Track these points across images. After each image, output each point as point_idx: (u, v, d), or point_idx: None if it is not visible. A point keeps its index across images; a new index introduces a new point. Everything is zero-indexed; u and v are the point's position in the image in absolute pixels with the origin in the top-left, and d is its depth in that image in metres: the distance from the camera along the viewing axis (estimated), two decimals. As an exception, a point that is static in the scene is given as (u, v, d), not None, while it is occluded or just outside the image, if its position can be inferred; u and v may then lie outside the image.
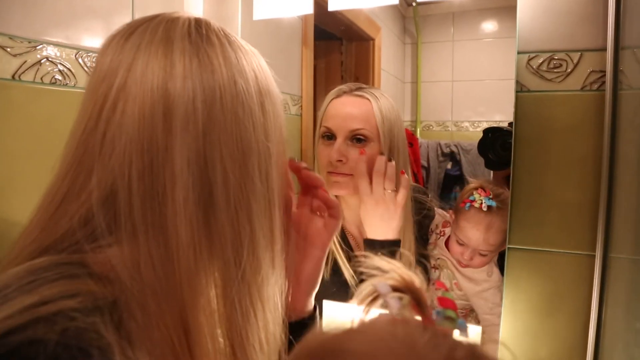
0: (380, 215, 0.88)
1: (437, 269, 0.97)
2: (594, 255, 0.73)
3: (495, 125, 1.03)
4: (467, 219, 0.90)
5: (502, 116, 1.33)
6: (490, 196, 0.88)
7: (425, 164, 1.66)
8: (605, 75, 0.73)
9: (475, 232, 0.89)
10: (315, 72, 1.51)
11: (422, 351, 0.28)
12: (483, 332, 0.88)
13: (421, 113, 1.71)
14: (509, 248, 0.79)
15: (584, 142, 0.74)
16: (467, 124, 1.66)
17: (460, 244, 0.92)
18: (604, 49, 0.72)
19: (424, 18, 1.74)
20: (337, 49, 1.69)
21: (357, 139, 0.93)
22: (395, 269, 0.35)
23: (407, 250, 0.94)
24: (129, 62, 0.42)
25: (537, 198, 0.77)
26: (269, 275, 0.48)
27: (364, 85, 0.99)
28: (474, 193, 0.90)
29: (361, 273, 0.37)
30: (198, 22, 0.46)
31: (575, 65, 0.75)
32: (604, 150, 0.72)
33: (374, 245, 0.89)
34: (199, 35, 0.45)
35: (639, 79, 0.65)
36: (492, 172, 1.05)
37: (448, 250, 0.95)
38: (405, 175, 0.91)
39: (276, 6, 0.92)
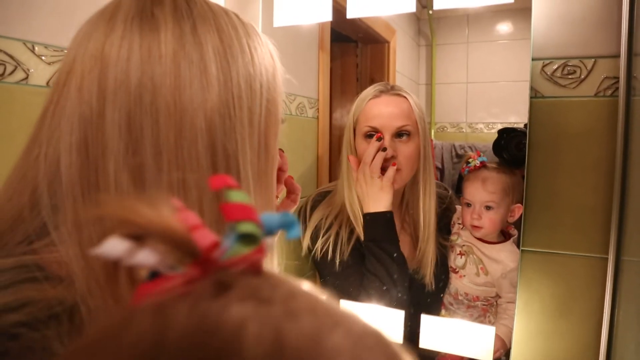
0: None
1: (464, 254, 1.02)
2: (607, 258, 0.75)
3: (510, 126, 1.05)
4: (468, 179, 1.00)
5: (517, 118, 1.34)
6: (482, 155, 0.99)
7: (439, 165, 1.67)
8: (618, 81, 0.74)
9: (475, 185, 0.98)
10: (330, 74, 1.53)
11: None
12: (499, 319, 0.93)
13: (435, 115, 1.71)
14: (522, 250, 0.81)
15: (597, 147, 0.76)
16: (481, 125, 1.67)
17: (468, 206, 0.99)
18: (618, 56, 0.74)
19: (439, 20, 1.74)
20: (352, 51, 1.71)
21: (400, 134, 1.02)
22: (126, 210, 0.21)
23: (431, 238, 1.03)
24: (79, 38, 0.41)
25: (551, 201, 0.79)
26: None
27: (392, 84, 1.07)
28: (469, 160, 1.01)
29: None
30: None
31: (589, 72, 0.76)
32: (617, 155, 0.74)
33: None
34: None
35: (653, 86, 0.66)
36: None
37: (463, 224, 1.02)
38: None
39: (296, 14, 0.95)
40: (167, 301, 0.19)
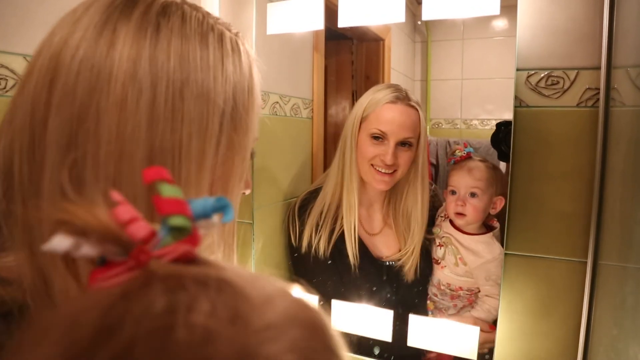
0: None
1: (443, 246, 1.07)
2: (586, 262, 0.78)
3: (507, 119, 1.08)
4: (454, 169, 1.05)
5: (511, 114, 1.37)
6: (469, 146, 1.05)
7: (434, 161, 1.70)
8: (599, 92, 0.76)
9: (461, 173, 1.03)
10: (325, 72, 1.54)
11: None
12: (481, 303, 0.99)
13: (431, 111, 1.73)
14: (506, 254, 0.84)
15: (578, 155, 0.78)
16: (476, 122, 1.69)
17: (453, 194, 1.03)
18: (599, 68, 0.76)
19: (434, 17, 1.74)
20: (347, 48, 1.72)
21: (403, 143, 1.07)
22: (67, 212, 0.23)
23: (423, 225, 1.08)
24: (48, 35, 0.40)
25: (533, 207, 0.82)
26: None
27: (405, 89, 1.12)
28: (455, 151, 1.06)
29: None
30: None
31: (572, 83, 0.79)
32: (597, 163, 0.76)
33: None
34: (121, 8, 0.40)
35: (631, 97, 0.68)
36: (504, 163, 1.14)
37: (446, 214, 1.08)
38: None
39: (288, 22, 0.97)
40: (101, 289, 0.22)
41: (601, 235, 0.76)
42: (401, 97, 1.08)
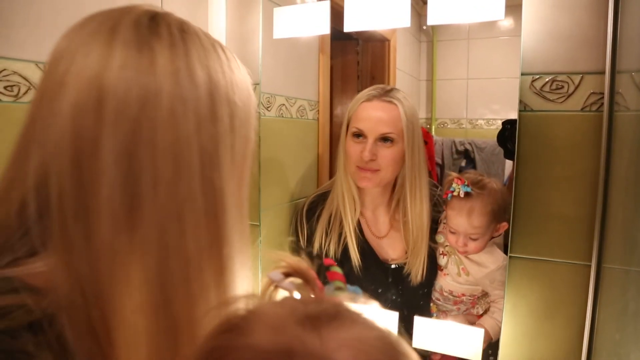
0: None
1: (446, 255, 1.05)
2: (590, 265, 0.79)
3: (513, 118, 1.08)
4: (451, 207, 0.99)
5: (517, 114, 1.37)
6: (466, 183, 0.96)
7: (439, 161, 1.70)
8: (603, 97, 0.77)
9: (460, 219, 0.97)
10: (331, 72, 1.55)
11: (288, 318, 0.33)
12: (491, 312, 0.99)
13: (436, 111, 1.74)
14: (510, 256, 0.85)
15: (582, 159, 0.79)
16: (481, 121, 1.69)
17: (453, 232, 0.99)
18: (603, 72, 0.77)
19: (440, 17, 1.74)
20: (353, 49, 1.73)
21: (384, 139, 1.04)
22: (283, 258, 0.42)
23: (426, 233, 1.07)
24: (73, 49, 0.41)
25: (538, 211, 0.83)
26: (209, 286, 0.45)
27: (389, 87, 1.10)
28: (453, 183, 0.98)
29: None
30: (154, 13, 0.44)
31: (576, 87, 0.79)
32: (601, 167, 0.77)
33: None
34: (149, 27, 0.43)
35: (635, 101, 0.69)
36: (510, 161, 1.12)
37: (448, 242, 1.04)
38: None
39: (295, 26, 0.98)
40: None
41: (605, 239, 0.77)
42: (377, 94, 1.07)
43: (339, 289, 0.43)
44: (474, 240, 0.97)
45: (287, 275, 0.41)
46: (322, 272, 0.45)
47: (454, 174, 1.01)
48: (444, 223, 1.06)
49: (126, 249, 0.40)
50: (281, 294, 0.42)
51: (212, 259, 0.45)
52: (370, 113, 1.06)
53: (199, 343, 0.36)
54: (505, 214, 0.91)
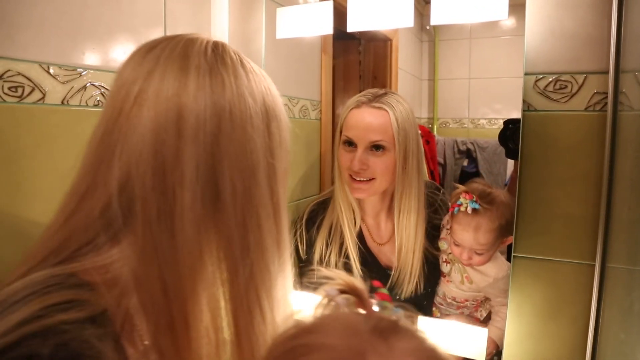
0: None
1: (449, 263, 1.02)
2: (594, 265, 0.79)
3: (515, 117, 1.07)
4: (458, 222, 0.96)
5: (519, 113, 1.37)
6: (474, 199, 0.93)
7: (441, 161, 1.70)
8: (607, 96, 0.77)
9: (466, 234, 0.94)
10: (333, 72, 1.55)
11: (359, 325, 0.39)
12: (494, 321, 0.98)
13: (438, 110, 1.74)
14: (514, 256, 0.85)
15: (586, 159, 0.79)
16: (483, 121, 1.69)
17: (457, 245, 0.97)
18: (607, 72, 0.76)
19: (442, 16, 1.74)
20: (355, 48, 1.73)
21: (375, 147, 1.01)
22: (340, 276, 0.48)
23: (418, 243, 1.03)
24: (147, 72, 0.46)
25: (542, 210, 0.82)
26: (277, 279, 0.51)
27: (382, 92, 1.05)
28: (460, 197, 0.95)
29: (314, 283, 0.49)
30: (215, 43, 0.51)
31: (580, 87, 0.79)
32: (604, 167, 0.77)
33: None
34: (215, 55, 0.49)
35: (639, 101, 0.69)
36: (512, 161, 1.09)
37: (452, 253, 1.01)
38: None
39: (298, 26, 0.98)
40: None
41: (609, 239, 0.77)
42: (366, 100, 1.03)
43: (384, 308, 0.45)
44: (479, 254, 0.95)
45: (342, 292, 0.46)
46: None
47: (462, 187, 0.97)
48: (447, 229, 1.03)
49: (208, 249, 0.46)
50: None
51: (280, 264, 0.52)
52: (359, 120, 1.02)
53: (272, 344, 0.42)
54: (511, 228, 0.87)
